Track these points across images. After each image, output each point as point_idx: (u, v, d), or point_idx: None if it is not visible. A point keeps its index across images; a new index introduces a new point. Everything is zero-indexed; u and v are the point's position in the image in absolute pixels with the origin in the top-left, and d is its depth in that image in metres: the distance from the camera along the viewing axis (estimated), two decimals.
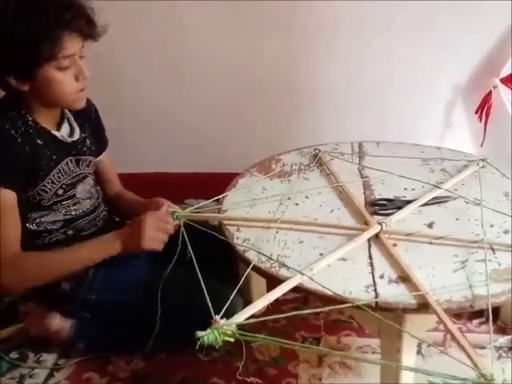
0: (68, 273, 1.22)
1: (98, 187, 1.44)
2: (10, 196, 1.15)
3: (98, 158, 1.42)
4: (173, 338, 1.27)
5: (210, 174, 1.99)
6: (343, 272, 0.98)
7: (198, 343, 0.75)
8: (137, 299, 1.25)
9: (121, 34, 1.88)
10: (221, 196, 1.31)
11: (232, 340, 0.77)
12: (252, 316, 0.85)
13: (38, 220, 1.26)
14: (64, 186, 1.26)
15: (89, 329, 1.31)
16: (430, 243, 1.05)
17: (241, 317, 0.83)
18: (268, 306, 1.48)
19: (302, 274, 0.96)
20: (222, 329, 0.76)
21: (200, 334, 0.75)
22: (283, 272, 0.99)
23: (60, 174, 1.25)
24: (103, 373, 1.32)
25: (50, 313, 1.33)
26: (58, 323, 1.33)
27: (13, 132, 1.15)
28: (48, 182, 1.22)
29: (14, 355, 1.38)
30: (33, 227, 1.26)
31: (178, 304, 1.21)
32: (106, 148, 1.45)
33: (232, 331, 0.77)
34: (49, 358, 1.37)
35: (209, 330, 0.76)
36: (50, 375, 1.32)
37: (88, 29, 1.15)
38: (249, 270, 1.02)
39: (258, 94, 2.03)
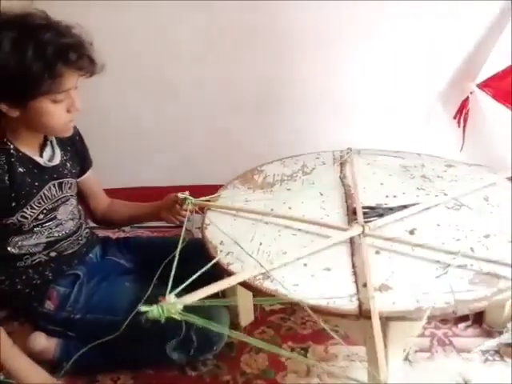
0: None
1: (80, 207, 1.43)
2: None
3: (83, 177, 1.43)
4: (159, 355, 1.27)
5: (195, 187, 1.99)
6: (327, 281, 0.99)
7: (144, 318, 0.80)
8: (121, 319, 1.24)
9: (107, 49, 1.89)
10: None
11: (177, 318, 0.82)
12: (205, 298, 0.90)
13: (19, 243, 1.25)
14: (45, 211, 1.26)
15: (74, 348, 1.29)
16: (413, 250, 1.05)
17: (188, 299, 0.88)
18: (256, 316, 1.50)
19: (261, 265, 1.01)
20: (167, 306, 0.82)
21: (144, 308, 0.80)
22: (267, 284, 0.99)
23: (41, 200, 1.24)
24: None
25: (35, 333, 1.31)
26: (43, 343, 1.31)
27: None
28: (27, 209, 1.21)
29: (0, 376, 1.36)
30: (14, 251, 1.25)
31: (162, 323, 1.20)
32: (90, 167, 1.46)
33: (177, 310, 0.82)
34: None
35: (154, 306, 0.81)
36: None
37: (89, 68, 1.17)
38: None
39: (240, 106, 2.03)
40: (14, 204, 1.18)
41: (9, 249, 1.24)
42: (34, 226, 1.25)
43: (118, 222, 1.52)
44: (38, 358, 1.32)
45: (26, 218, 1.22)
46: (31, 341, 1.30)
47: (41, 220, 1.26)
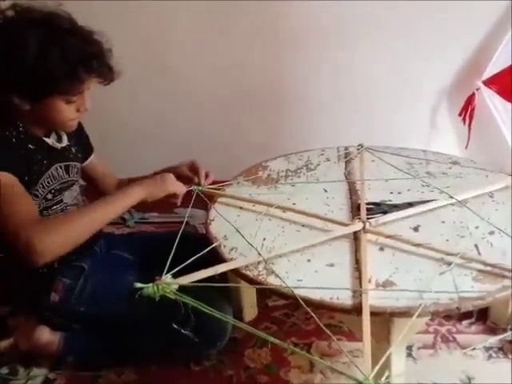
0: (99, 228, 1.21)
1: (84, 197, 1.44)
2: (11, 177, 1.14)
3: (87, 162, 1.44)
4: (163, 350, 1.28)
5: None
6: (330, 277, 0.99)
7: (137, 294, 0.84)
8: (126, 312, 1.24)
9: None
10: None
11: (172, 297, 0.86)
12: (202, 281, 0.93)
13: None
14: (53, 191, 1.27)
15: (78, 341, 1.30)
16: (418, 247, 1.05)
17: (184, 280, 0.91)
18: (259, 311, 1.49)
19: (259, 254, 1.04)
20: (162, 285, 0.85)
21: (139, 285, 0.84)
22: (271, 279, 0.99)
23: (50, 180, 1.26)
24: None
25: (39, 326, 1.32)
26: (47, 336, 1.32)
27: (7, 133, 1.17)
28: (40, 187, 1.23)
29: (4, 370, 1.37)
30: None
31: (166, 316, 1.20)
32: (91, 153, 1.47)
33: (171, 290, 0.86)
34: (39, 373, 1.35)
35: (150, 284, 0.85)
36: None
37: (108, 76, 1.21)
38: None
39: (246, 102, 2.04)
40: (27, 178, 1.19)
41: None
42: (44, 209, 1.26)
43: None
44: (42, 351, 1.33)
45: (38, 197, 1.23)
46: (35, 334, 1.31)
47: (49, 201, 1.27)
